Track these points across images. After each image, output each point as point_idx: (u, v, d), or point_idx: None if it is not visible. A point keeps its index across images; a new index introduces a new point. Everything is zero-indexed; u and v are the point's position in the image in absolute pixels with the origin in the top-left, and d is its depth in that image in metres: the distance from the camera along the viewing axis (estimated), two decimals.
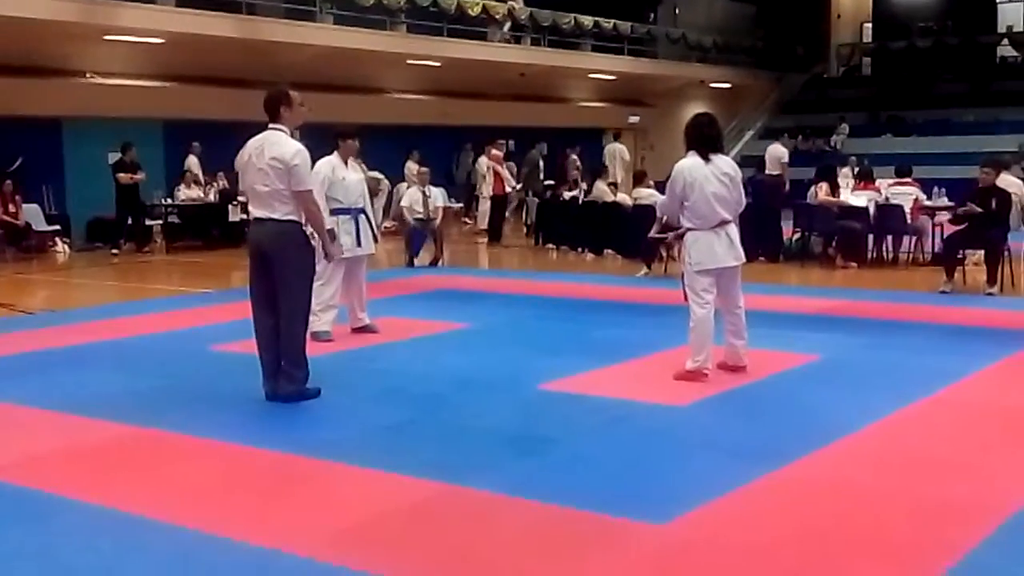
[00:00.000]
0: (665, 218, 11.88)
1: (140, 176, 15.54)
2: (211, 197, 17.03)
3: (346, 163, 8.17)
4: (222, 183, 17.23)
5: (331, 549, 3.82)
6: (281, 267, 5.88)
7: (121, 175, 15.28)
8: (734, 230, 6.54)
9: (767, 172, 17.85)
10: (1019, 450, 5.06)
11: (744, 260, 6.59)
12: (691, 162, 6.47)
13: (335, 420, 5.72)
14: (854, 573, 3.61)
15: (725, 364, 6.63)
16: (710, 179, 6.41)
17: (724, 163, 6.54)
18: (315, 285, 6.44)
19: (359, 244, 8.17)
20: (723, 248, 6.45)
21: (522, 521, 4.10)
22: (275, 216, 5.84)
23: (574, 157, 19.29)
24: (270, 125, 5.98)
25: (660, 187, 12.18)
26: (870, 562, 3.68)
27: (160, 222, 16.77)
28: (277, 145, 5.85)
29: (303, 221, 5.94)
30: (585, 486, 4.50)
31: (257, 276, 5.98)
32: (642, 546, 3.84)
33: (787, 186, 16.87)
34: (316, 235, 6.15)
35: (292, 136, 6.00)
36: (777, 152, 17.16)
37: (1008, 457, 4.91)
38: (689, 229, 6.49)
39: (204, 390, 6.43)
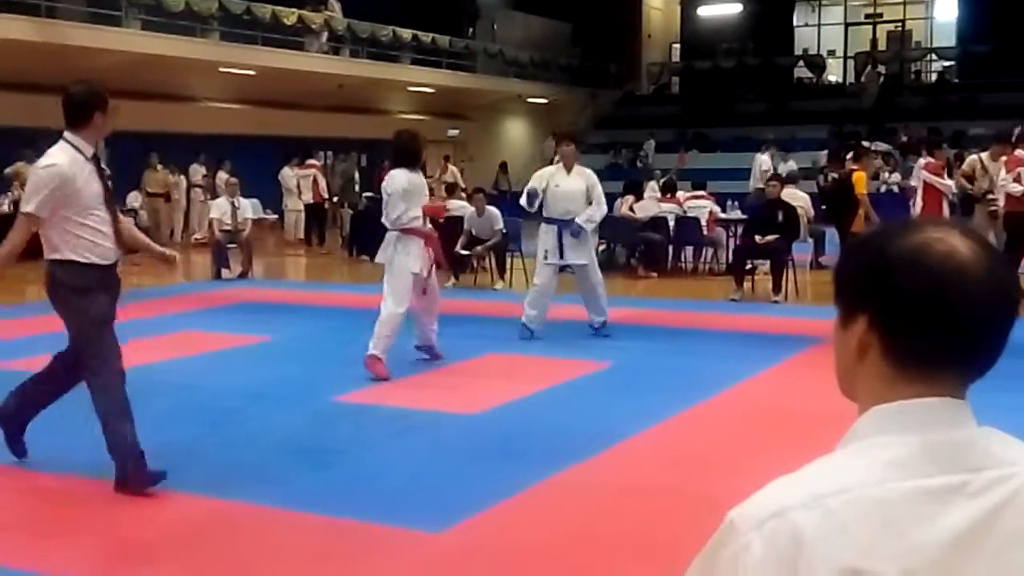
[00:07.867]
0: (473, 231, 12.14)
1: None
2: (5, 207, 16.16)
3: (568, 171, 8.19)
4: (18, 192, 16.38)
5: (104, 573, 3.73)
6: (66, 326, 4.68)
7: None
8: (403, 242, 7.02)
9: None
10: (785, 448, 5.37)
11: (418, 272, 7.03)
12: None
13: None
14: (620, 570, 3.79)
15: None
16: None
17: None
18: None
19: (560, 256, 8.19)
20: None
21: (297, 535, 4.09)
22: (50, 257, 4.71)
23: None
24: (67, 135, 4.57)
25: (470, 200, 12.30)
26: (634, 558, 3.88)
27: None
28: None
29: (75, 258, 4.65)
30: (369, 497, 4.54)
31: None
32: (415, 554, 3.91)
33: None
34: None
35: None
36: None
37: (773, 454, 5.20)
38: None
39: None
